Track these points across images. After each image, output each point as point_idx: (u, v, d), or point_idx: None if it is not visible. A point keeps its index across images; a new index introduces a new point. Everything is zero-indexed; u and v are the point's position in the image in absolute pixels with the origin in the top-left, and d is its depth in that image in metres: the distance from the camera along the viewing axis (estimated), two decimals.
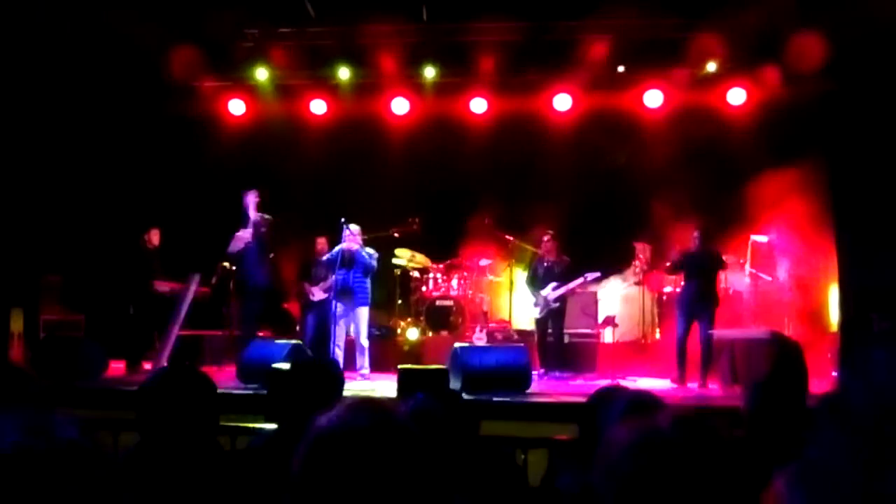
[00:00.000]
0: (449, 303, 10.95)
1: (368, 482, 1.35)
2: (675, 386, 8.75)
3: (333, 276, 9.22)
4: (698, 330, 8.88)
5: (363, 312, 9.24)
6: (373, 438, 1.37)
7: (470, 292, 11.16)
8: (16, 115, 8.98)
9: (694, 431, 1.35)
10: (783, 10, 8.59)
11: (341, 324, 9.16)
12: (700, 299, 8.90)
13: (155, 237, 9.64)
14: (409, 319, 11.13)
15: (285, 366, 6.46)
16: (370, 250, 9.39)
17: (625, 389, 2.85)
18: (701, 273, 8.99)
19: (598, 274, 9.79)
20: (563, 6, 10.16)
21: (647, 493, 1.32)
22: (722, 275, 9.66)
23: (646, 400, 2.55)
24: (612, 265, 11.01)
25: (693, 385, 8.72)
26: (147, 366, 8.99)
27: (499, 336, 10.59)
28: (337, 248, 9.18)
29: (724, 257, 9.30)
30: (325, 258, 9.48)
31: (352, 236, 9.12)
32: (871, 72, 8.32)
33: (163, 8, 9.45)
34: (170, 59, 10.50)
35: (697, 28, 10.26)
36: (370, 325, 9.61)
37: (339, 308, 9.09)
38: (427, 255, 11.33)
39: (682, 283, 9.42)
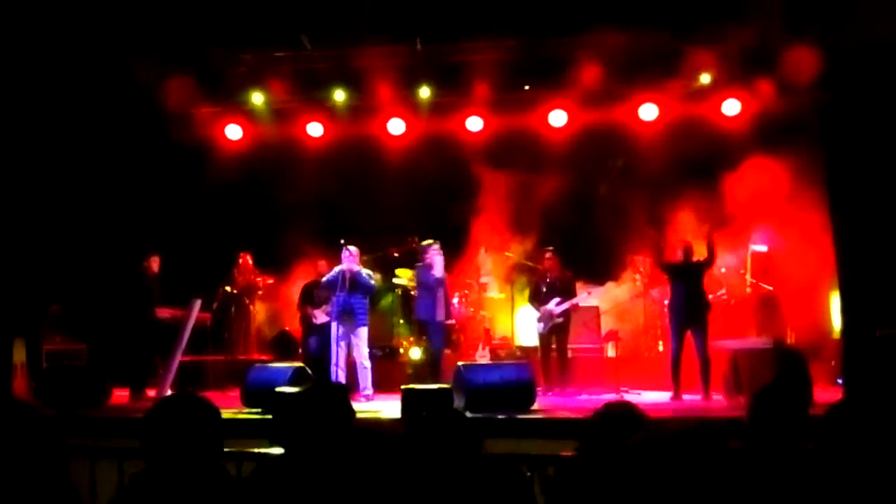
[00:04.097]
0: (451, 321, 10.93)
1: None
2: (674, 400, 8.63)
3: (334, 298, 9.19)
4: (693, 342, 8.74)
5: (363, 333, 9.19)
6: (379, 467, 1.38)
7: (471, 310, 11.15)
8: (16, 145, 9.01)
9: (696, 445, 1.36)
10: (775, 22, 8.63)
11: (342, 345, 9.11)
12: (690, 304, 8.75)
13: (155, 264, 9.64)
14: (411, 339, 11.10)
15: (290, 389, 6.43)
16: (368, 271, 9.37)
17: (625, 406, 2.86)
18: (687, 278, 8.88)
19: (601, 288, 9.78)
20: (556, 23, 10.21)
21: None
22: (722, 283, 9.59)
23: (646, 416, 2.55)
24: (612, 279, 11.03)
25: (696, 398, 8.60)
26: (150, 393, 8.97)
27: (501, 353, 10.55)
28: (336, 270, 9.12)
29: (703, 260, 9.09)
30: (324, 280, 9.40)
31: (351, 257, 9.08)
32: (867, 81, 8.35)
33: (158, 36, 9.52)
34: (166, 86, 10.57)
35: (690, 42, 10.31)
36: (371, 346, 9.57)
37: (340, 329, 9.06)
38: None
39: (670, 291, 9.17)
